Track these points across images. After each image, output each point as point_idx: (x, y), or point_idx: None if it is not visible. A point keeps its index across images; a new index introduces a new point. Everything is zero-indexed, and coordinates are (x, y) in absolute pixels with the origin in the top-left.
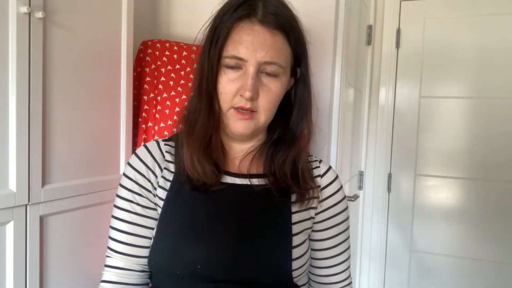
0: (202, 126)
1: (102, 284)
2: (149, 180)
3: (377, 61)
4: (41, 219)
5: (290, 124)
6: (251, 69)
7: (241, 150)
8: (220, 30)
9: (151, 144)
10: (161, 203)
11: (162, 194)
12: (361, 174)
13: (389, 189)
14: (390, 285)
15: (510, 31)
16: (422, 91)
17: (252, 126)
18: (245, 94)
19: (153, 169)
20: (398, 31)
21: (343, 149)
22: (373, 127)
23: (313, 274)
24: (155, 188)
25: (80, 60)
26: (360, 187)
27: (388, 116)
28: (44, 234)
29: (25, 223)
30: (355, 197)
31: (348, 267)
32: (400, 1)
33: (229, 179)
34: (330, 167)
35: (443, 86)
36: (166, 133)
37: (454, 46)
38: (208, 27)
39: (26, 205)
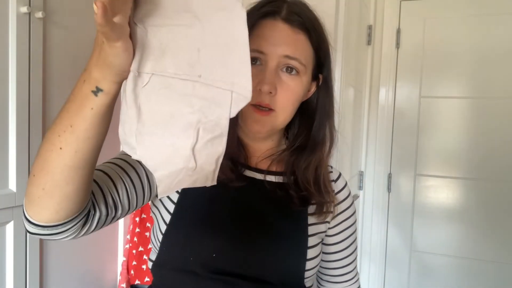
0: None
1: None
2: None
3: (377, 61)
4: None
5: (312, 131)
6: (270, 63)
7: (259, 150)
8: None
9: None
10: (175, 195)
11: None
12: (361, 174)
13: (389, 189)
14: (390, 285)
15: (510, 31)
16: (422, 91)
17: (268, 125)
18: (263, 87)
19: None
20: (398, 31)
21: (343, 149)
22: (373, 127)
23: (323, 274)
24: None
25: (80, 60)
26: (360, 187)
27: (388, 116)
28: None
29: None
30: (355, 197)
31: (355, 267)
32: (400, 1)
33: (248, 173)
34: (340, 173)
35: (443, 86)
36: None
37: (454, 46)
38: None
39: None
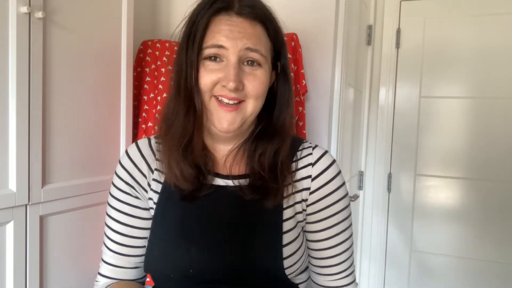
0: (179, 126)
1: (99, 276)
2: (138, 182)
3: (377, 61)
4: (41, 219)
5: (272, 119)
6: (232, 58)
7: (224, 151)
8: (197, 25)
9: (142, 143)
10: (154, 206)
11: (155, 197)
12: (361, 174)
13: (389, 189)
14: (390, 285)
15: (510, 31)
16: (422, 91)
17: (239, 120)
18: (228, 85)
19: (143, 171)
20: (398, 31)
21: (343, 149)
22: (373, 127)
23: (312, 265)
24: (146, 191)
25: (80, 60)
26: (360, 187)
27: (388, 116)
28: (44, 234)
29: (25, 223)
30: (355, 197)
31: (348, 259)
32: (400, 1)
33: (220, 181)
34: (325, 153)
35: (443, 86)
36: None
37: (454, 46)
38: (185, 25)
39: (26, 205)
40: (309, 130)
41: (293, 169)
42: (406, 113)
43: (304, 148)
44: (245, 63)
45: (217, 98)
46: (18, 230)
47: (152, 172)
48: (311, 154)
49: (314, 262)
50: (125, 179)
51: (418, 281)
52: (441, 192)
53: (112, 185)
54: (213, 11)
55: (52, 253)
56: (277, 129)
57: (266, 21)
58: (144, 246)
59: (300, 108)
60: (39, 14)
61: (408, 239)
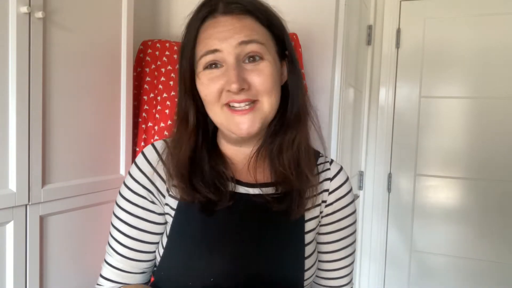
0: (184, 153)
1: (101, 279)
2: (157, 187)
3: (377, 61)
4: (41, 219)
5: (287, 113)
6: (229, 59)
7: (247, 155)
8: (188, 38)
9: (160, 146)
10: (172, 212)
11: (174, 203)
12: (361, 174)
13: (389, 189)
14: (390, 285)
15: (510, 31)
16: (422, 91)
17: (258, 120)
18: (231, 87)
19: (162, 176)
20: (398, 31)
21: (343, 149)
22: (373, 127)
23: (316, 276)
24: (164, 196)
25: (80, 60)
26: (360, 187)
27: (388, 116)
28: (44, 234)
29: (25, 223)
30: (355, 197)
31: (350, 272)
32: (400, 1)
33: (241, 189)
34: (341, 168)
35: (443, 86)
36: (166, 133)
37: (454, 46)
38: (179, 48)
39: (26, 205)
40: (310, 130)
41: (316, 182)
42: (406, 113)
43: (321, 163)
44: (246, 60)
45: (229, 106)
46: (18, 230)
47: (172, 178)
48: (329, 169)
49: (320, 267)
50: (142, 183)
51: (418, 281)
52: (441, 192)
53: (124, 187)
54: (200, 19)
55: (52, 253)
56: (291, 120)
57: (255, 10)
58: (153, 252)
59: None
60: (39, 14)
61: (408, 239)
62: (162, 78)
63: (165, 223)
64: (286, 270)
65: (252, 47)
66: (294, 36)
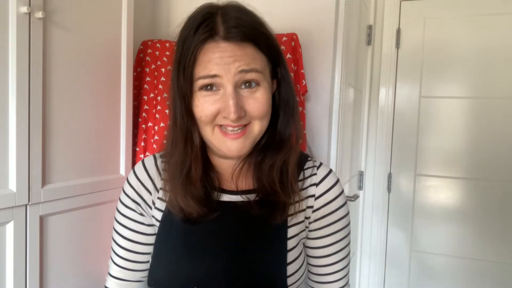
0: (178, 158)
1: None
2: (143, 199)
3: (377, 61)
4: (41, 219)
5: (277, 128)
6: (228, 87)
7: (232, 165)
8: (185, 56)
9: (148, 161)
10: (157, 223)
11: (158, 215)
12: (361, 174)
13: (389, 189)
14: (390, 285)
15: (510, 31)
16: (422, 91)
17: (248, 143)
18: (229, 116)
19: (148, 188)
20: (398, 31)
21: (343, 149)
22: (373, 127)
23: (310, 280)
24: (150, 208)
25: (80, 60)
26: (360, 187)
27: (388, 116)
28: (44, 234)
29: (25, 223)
30: (355, 197)
31: (346, 275)
32: (400, 1)
33: (225, 197)
34: (329, 172)
35: (443, 86)
36: (166, 133)
37: (454, 46)
38: (174, 52)
39: (26, 205)
40: (309, 130)
41: (300, 188)
42: (406, 113)
43: (308, 167)
44: (242, 86)
45: (220, 127)
46: (18, 230)
47: (157, 191)
48: (315, 174)
49: (313, 271)
50: (131, 196)
51: (418, 281)
52: (441, 192)
53: (119, 202)
54: (199, 40)
55: (52, 253)
56: (284, 140)
57: (255, 37)
58: (148, 261)
59: (300, 108)
60: (39, 14)
61: (408, 239)
62: (162, 78)
63: (154, 234)
64: (269, 276)
65: (251, 76)
66: (294, 36)
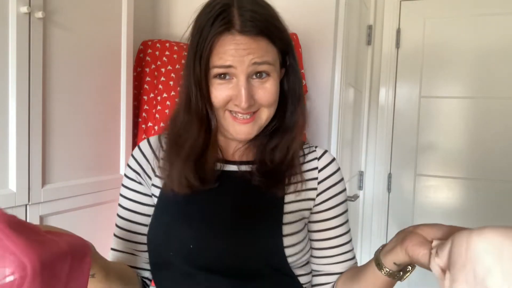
0: (191, 143)
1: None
2: (143, 169)
3: (377, 61)
4: (41, 219)
5: (285, 116)
6: (241, 77)
7: (238, 144)
8: (202, 45)
9: (153, 138)
10: (157, 191)
11: (159, 183)
12: (361, 174)
13: (389, 189)
14: None
15: (510, 31)
16: (422, 91)
17: (256, 128)
18: (241, 105)
19: (149, 159)
20: (398, 31)
21: (343, 149)
22: (373, 127)
23: (320, 257)
24: (150, 177)
25: (80, 60)
26: (360, 187)
27: (388, 116)
28: None
29: None
30: (355, 197)
31: (353, 248)
32: (400, 1)
33: (227, 167)
34: (326, 151)
35: (443, 86)
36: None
37: (454, 46)
38: (189, 41)
39: (26, 205)
40: (309, 130)
41: (301, 162)
42: (406, 113)
43: (307, 147)
44: (254, 76)
45: (231, 112)
46: None
47: (158, 160)
48: (315, 150)
49: (323, 246)
50: (132, 167)
51: (418, 281)
52: (441, 192)
53: (124, 177)
54: (216, 31)
55: None
56: (290, 126)
57: (270, 31)
58: (143, 234)
59: None
60: (39, 14)
61: None
62: (162, 78)
63: (153, 205)
64: (264, 243)
65: (263, 67)
66: (294, 36)
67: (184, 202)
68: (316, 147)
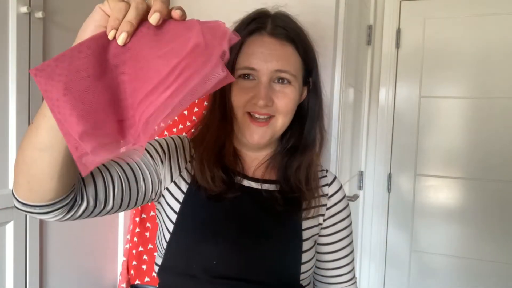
0: (212, 133)
1: None
2: (177, 159)
3: (377, 61)
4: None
5: (304, 133)
6: (263, 78)
7: (256, 158)
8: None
9: (184, 137)
10: (180, 196)
11: (184, 187)
12: (361, 174)
13: (389, 189)
14: (390, 285)
15: (510, 31)
16: (422, 91)
17: (269, 134)
18: (258, 102)
19: (184, 154)
20: (398, 31)
21: (343, 149)
22: (373, 127)
23: (320, 275)
24: (171, 174)
25: None
26: (360, 187)
27: (388, 116)
28: (44, 234)
29: (25, 223)
30: (355, 197)
31: (353, 269)
32: (400, 1)
33: (245, 182)
34: (335, 177)
35: (443, 86)
36: (166, 133)
37: (454, 46)
38: None
39: None
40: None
41: (319, 195)
42: (406, 113)
43: (319, 171)
44: (276, 81)
45: (249, 114)
46: (18, 230)
47: (186, 162)
48: (326, 176)
49: (326, 266)
50: (169, 144)
51: (418, 281)
52: (441, 192)
53: (154, 140)
54: (247, 32)
55: (52, 253)
56: (309, 144)
57: (297, 40)
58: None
59: None
60: (39, 14)
61: (408, 239)
62: None
63: (149, 180)
64: (284, 260)
65: (284, 75)
66: None
67: (208, 214)
68: (326, 171)
